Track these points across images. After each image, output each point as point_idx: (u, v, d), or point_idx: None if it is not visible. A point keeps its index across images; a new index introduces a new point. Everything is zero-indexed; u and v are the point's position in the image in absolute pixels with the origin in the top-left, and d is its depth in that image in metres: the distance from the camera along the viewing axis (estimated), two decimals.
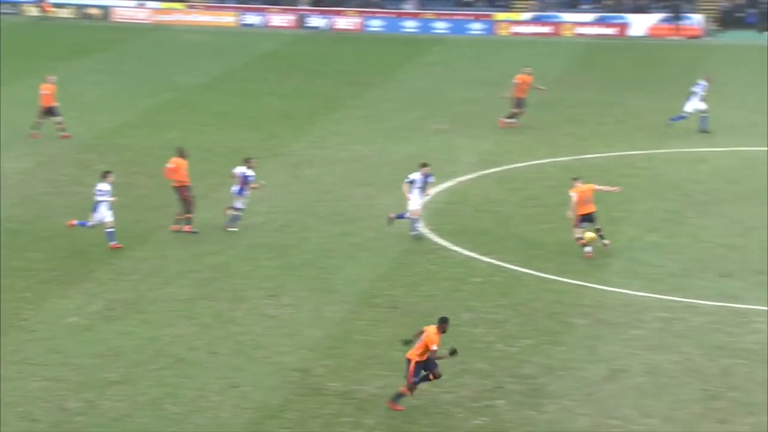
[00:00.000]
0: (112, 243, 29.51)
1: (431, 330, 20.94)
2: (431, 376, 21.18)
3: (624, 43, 65.73)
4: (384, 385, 22.15)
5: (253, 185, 30.88)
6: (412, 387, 21.05)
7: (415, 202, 30.32)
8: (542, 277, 28.11)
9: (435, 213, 33.28)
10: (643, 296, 26.77)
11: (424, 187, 30.62)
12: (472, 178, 36.95)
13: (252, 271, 28.48)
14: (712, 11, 68.97)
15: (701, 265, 28.72)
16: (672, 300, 26.50)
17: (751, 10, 68.52)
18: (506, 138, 42.53)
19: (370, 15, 72.09)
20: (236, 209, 31.07)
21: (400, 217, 30.70)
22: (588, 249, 28.92)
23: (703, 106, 41.94)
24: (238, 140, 41.77)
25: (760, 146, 40.73)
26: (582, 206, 28.98)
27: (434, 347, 20.82)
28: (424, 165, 30.81)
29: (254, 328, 25.01)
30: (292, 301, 26.55)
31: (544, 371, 22.81)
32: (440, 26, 70.52)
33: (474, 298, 26.72)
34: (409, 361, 21.03)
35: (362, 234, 31.43)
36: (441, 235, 31.16)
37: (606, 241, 29.19)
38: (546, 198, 34.79)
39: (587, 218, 29.06)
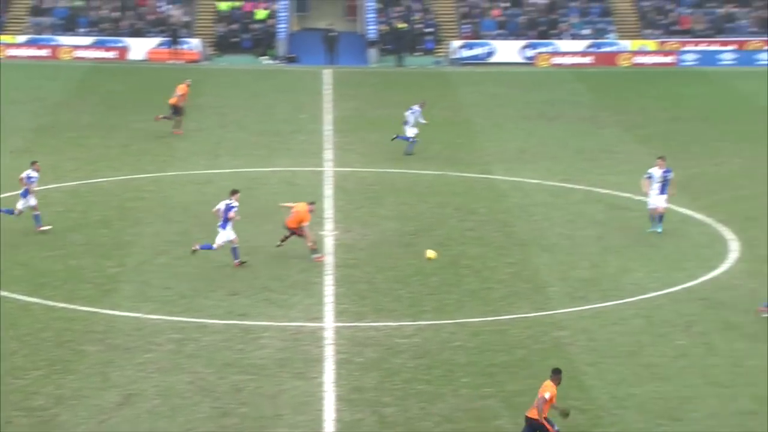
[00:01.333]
0: None
1: (548, 383, 19.98)
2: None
3: (125, 66, 65.72)
4: None
5: (33, 188, 32.47)
6: None
7: (227, 233, 30.17)
8: (51, 305, 27.46)
9: None
10: (155, 319, 26.88)
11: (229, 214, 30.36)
12: None
13: None
14: (209, 36, 70.71)
15: (211, 285, 29.30)
16: (183, 321, 26.82)
17: (245, 36, 70.96)
18: (4, 164, 41.07)
19: None
20: (26, 209, 32.70)
21: (207, 247, 30.29)
22: (317, 255, 31.12)
23: (413, 131, 43.13)
24: None
25: (260, 167, 42.29)
26: (291, 219, 30.91)
27: (546, 395, 19.69)
28: (234, 192, 30.67)
29: None
30: None
31: (56, 402, 22.29)
32: None
33: None
34: (534, 421, 19.69)
35: None
36: None
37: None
38: (53, 225, 33.97)
39: (292, 232, 31.09)
